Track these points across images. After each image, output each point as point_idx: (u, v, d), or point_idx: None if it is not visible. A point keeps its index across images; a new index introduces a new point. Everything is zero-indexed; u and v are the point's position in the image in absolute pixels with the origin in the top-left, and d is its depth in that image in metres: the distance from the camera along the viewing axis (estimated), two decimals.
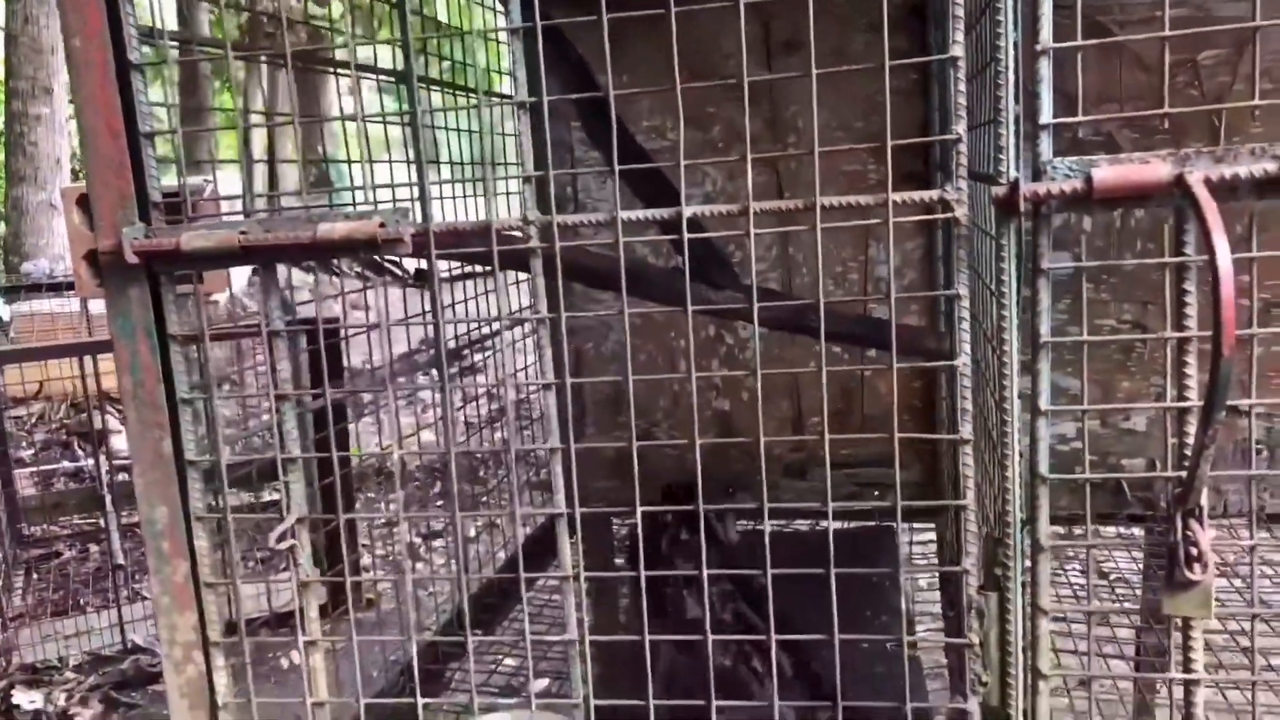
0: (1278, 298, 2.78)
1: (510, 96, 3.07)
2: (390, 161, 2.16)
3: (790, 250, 2.88)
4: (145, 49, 1.34)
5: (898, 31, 2.83)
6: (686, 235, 1.24)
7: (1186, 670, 1.17)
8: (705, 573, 1.26)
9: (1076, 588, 3.48)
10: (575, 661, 1.31)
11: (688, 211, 1.22)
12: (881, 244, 2.90)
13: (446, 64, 3.14)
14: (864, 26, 2.89)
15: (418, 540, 5.40)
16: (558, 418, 1.30)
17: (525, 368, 3.53)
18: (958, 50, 1.12)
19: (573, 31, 2.51)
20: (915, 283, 2.88)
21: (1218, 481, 2.86)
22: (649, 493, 1.78)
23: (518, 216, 1.30)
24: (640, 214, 1.25)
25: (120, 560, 4.85)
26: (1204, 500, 1.13)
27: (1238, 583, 2.81)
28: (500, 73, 3.66)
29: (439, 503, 5.80)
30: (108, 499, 5.15)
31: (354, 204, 1.75)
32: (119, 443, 6.69)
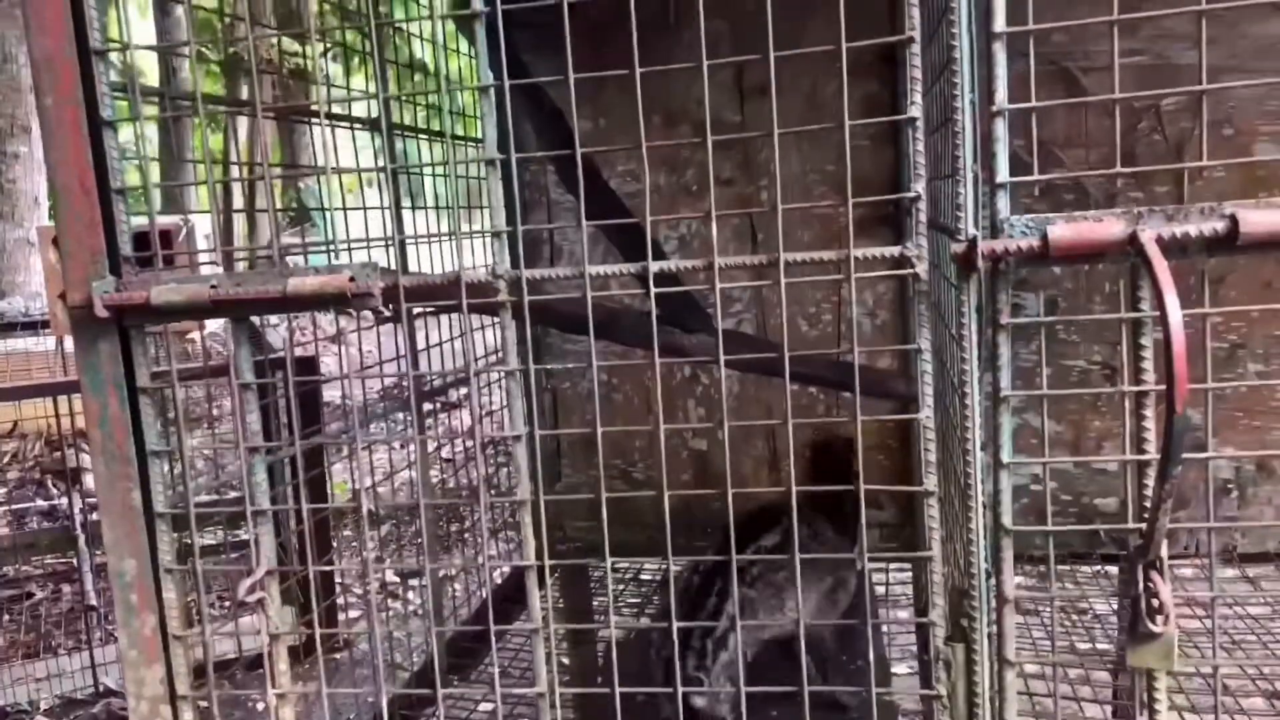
0: (1244, 339, 2.84)
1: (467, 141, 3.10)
2: (364, 208, 2.17)
3: (764, 293, 2.91)
4: (120, 103, 1.36)
5: (870, 77, 2.88)
6: (654, 289, 1.26)
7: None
8: (674, 625, 1.27)
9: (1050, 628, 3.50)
10: (545, 713, 1.31)
11: (654, 267, 1.24)
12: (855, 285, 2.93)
13: (425, 107, 3.16)
14: (837, 72, 2.94)
15: (395, 580, 5.36)
16: (527, 469, 1.31)
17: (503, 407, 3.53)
18: (915, 111, 1.14)
19: (543, 75, 2.55)
20: (888, 323, 2.92)
21: (1191, 522, 2.90)
22: (631, 533, 1.79)
23: (487, 271, 1.31)
24: (607, 269, 1.26)
25: (93, 601, 4.79)
26: (1164, 552, 1.15)
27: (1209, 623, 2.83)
28: (479, 117, 3.69)
29: (418, 540, 5.76)
30: (81, 538, 5.09)
31: (333, 247, 1.76)
32: (92, 482, 6.63)
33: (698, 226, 2.92)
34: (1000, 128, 1.13)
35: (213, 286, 1.30)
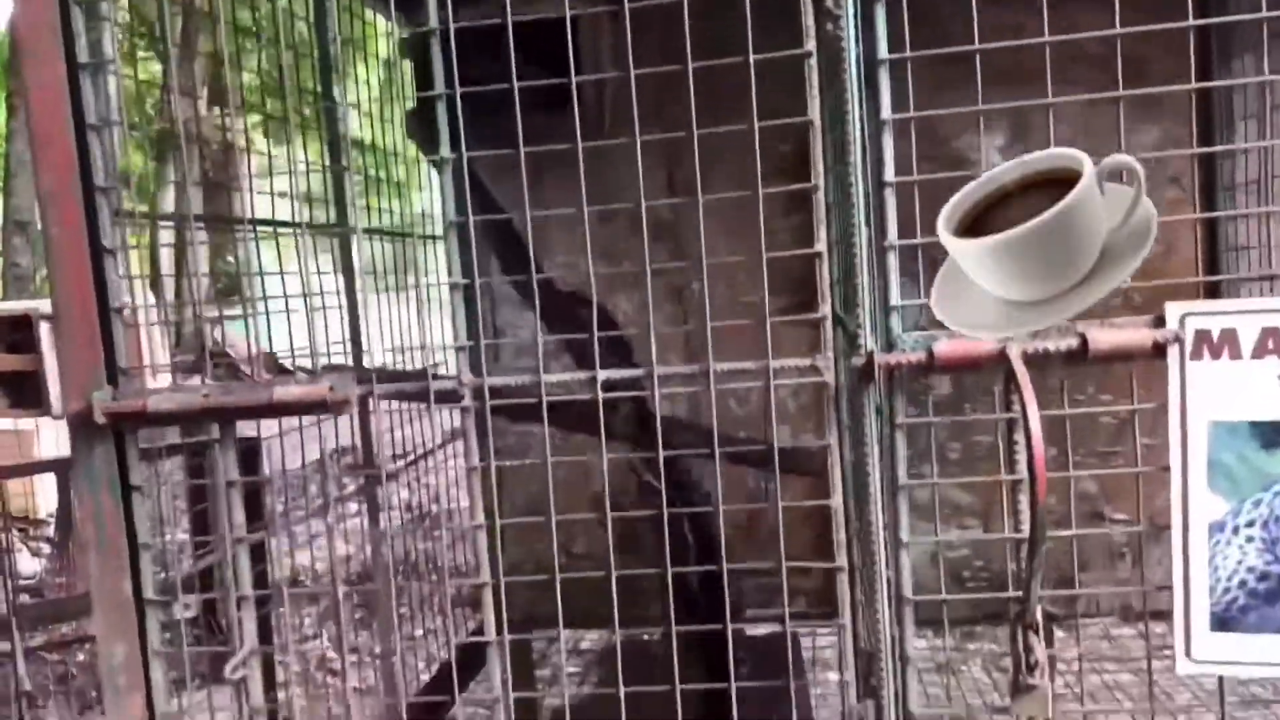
0: (1129, 416, 3.11)
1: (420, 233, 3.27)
2: (302, 273, 2.30)
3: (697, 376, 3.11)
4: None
5: (789, 171, 3.13)
6: (602, 395, 1.44)
7: None
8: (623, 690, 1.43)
9: (978, 682, 3.69)
10: None
11: (602, 376, 1.43)
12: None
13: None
14: (760, 172, 3.18)
15: (333, 656, 5.38)
16: (487, 555, 1.47)
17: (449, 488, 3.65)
18: (821, 247, 1.36)
19: (484, 173, 2.74)
20: (809, 404, 3.13)
21: (1092, 584, 3.13)
22: (568, 605, 1.94)
23: (450, 373, 1.49)
24: (560, 378, 1.45)
25: (26, 686, 4.73)
26: (1039, 615, 1.35)
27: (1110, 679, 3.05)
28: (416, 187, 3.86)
29: (358, 616, 5.78)
30: (14, 624, 5.03)
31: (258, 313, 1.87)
32: (24, 564, 6.54)
33: (633, 313, 3.13)
34: (891, 260, 1.35)
35: (204, 395, 1.45)
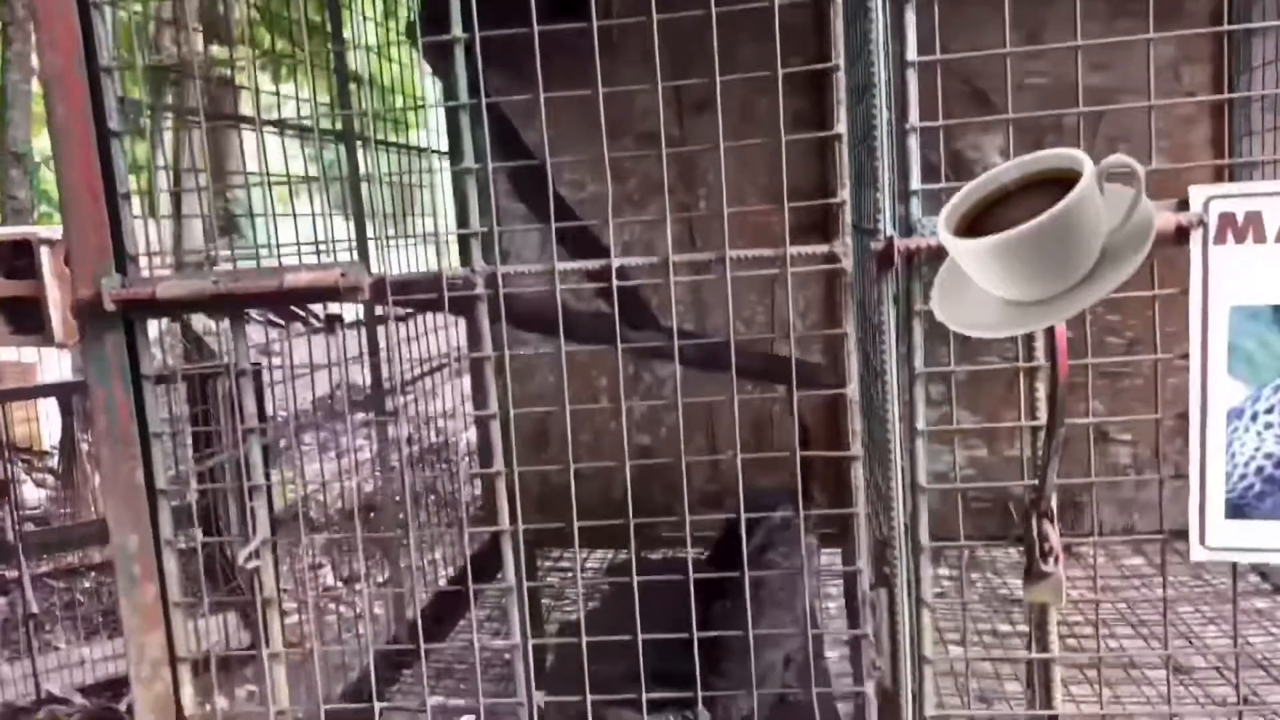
0: (1140, 336, 3.11)
1: (433, 149, 3.24)
2: (293, 214, 2.27)
3: (703, 296, 3.09)
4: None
5: (799, 95, 3.09)
6: (612, 285, 1.42)
7: (1043, 650, 1.38)
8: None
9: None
10: (519, 664, 1.47)
11: (616, 263, 1.41)
12: (785, 296, 3.14)
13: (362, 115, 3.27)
14: (768, 89, 3.15)
15: (339, 584, 5.42)
16: (501, 444, 1.46)
17: (448, 410, 3.65)
18: (841, 128, 1.33)
19: (495, 88, 2.71)
20: (818, 323, 3.12)
21: (1096, 504, 3.15)
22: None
23: (461, 268, 1.47)
24: (575, 265, 1.43)
25: (34, 609, 4.78)
26: (1054, 503, 1.35)
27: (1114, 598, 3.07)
28: (421, 126, 3.82)
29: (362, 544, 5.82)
30: (19, 549, 5.07)
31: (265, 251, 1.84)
32: (28, 493, 6.57)
33: (640, 232, 3.10)
34: (912, 143, 1.32)
35: (214, 281, 1.43)
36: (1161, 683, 2.61)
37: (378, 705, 1.46)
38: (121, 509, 1.49)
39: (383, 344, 2.55)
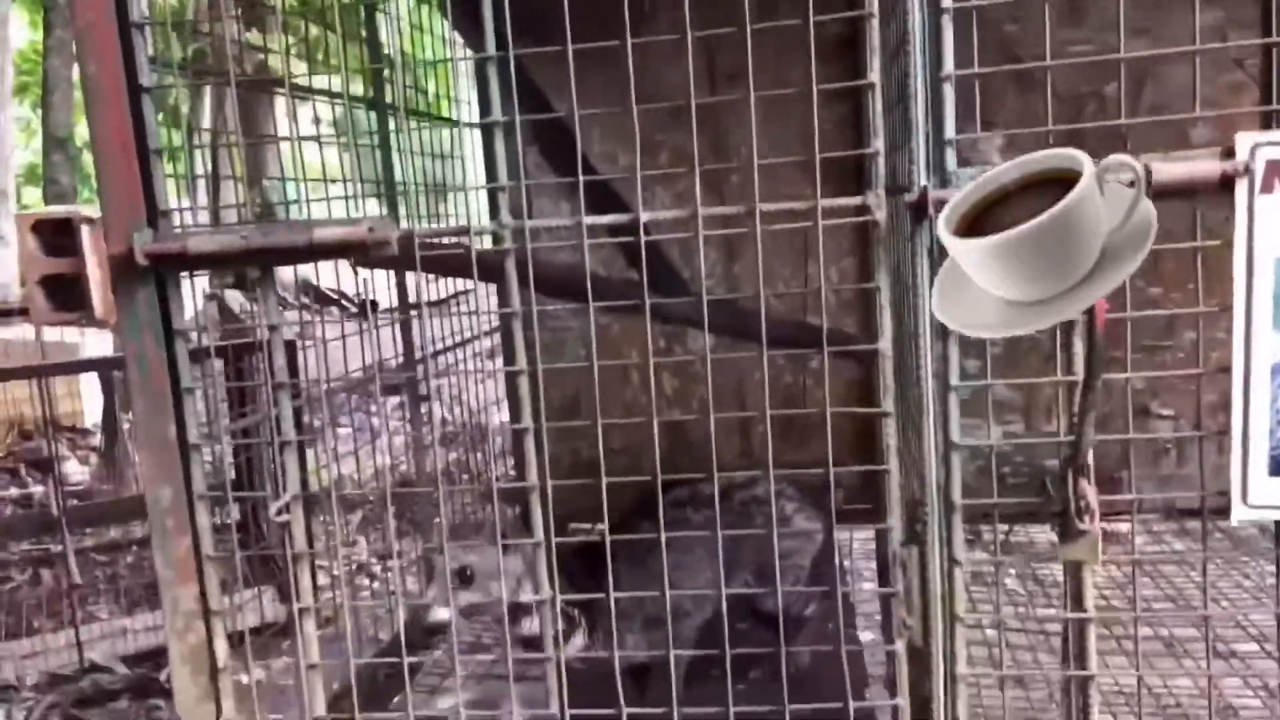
0: (1181, 305, 3.05)
1: (461, 121, 3.24)
2: (327, 199, 2.27)
3: (734, 267, 3.08)
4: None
5: (832, 62, 3.06)
6: (644, 238, 1.41)
7: (1079, 609, 1.36)
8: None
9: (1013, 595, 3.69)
10: (548, 620, 1.47)
11: (645, 216, 1.40)
12: (818, 261, 3.11)
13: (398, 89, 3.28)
14: (801, 58, 3.12)
15: (373, 560, 5.48)
16: (529, 402, 1.46)
17: (482, 380, 3.66)
18: (874, 77, 1.31)
19: (527, 61, 2.70)
20: (851, 296, 3.10)
21: (1136, 482, 3.10)
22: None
23: (489, 223, 1.46)
24: (602, 220, 1.42)
25: (77, 580, 4.87)
26: (1090, 460, 1.32)
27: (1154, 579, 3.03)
28: (451, 99, 3.82)
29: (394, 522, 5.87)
30: (63, 522, 5.17)
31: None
32: (71, 469, 6.69)
33: (671, 203, 3.09)
34: (948, 91, 1.30)
35: (243, 237, 1.44)
36: (1201, 656, 2.58)
37: (407, 659, 1.46)
38: (155, 463, 1.50)
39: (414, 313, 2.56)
